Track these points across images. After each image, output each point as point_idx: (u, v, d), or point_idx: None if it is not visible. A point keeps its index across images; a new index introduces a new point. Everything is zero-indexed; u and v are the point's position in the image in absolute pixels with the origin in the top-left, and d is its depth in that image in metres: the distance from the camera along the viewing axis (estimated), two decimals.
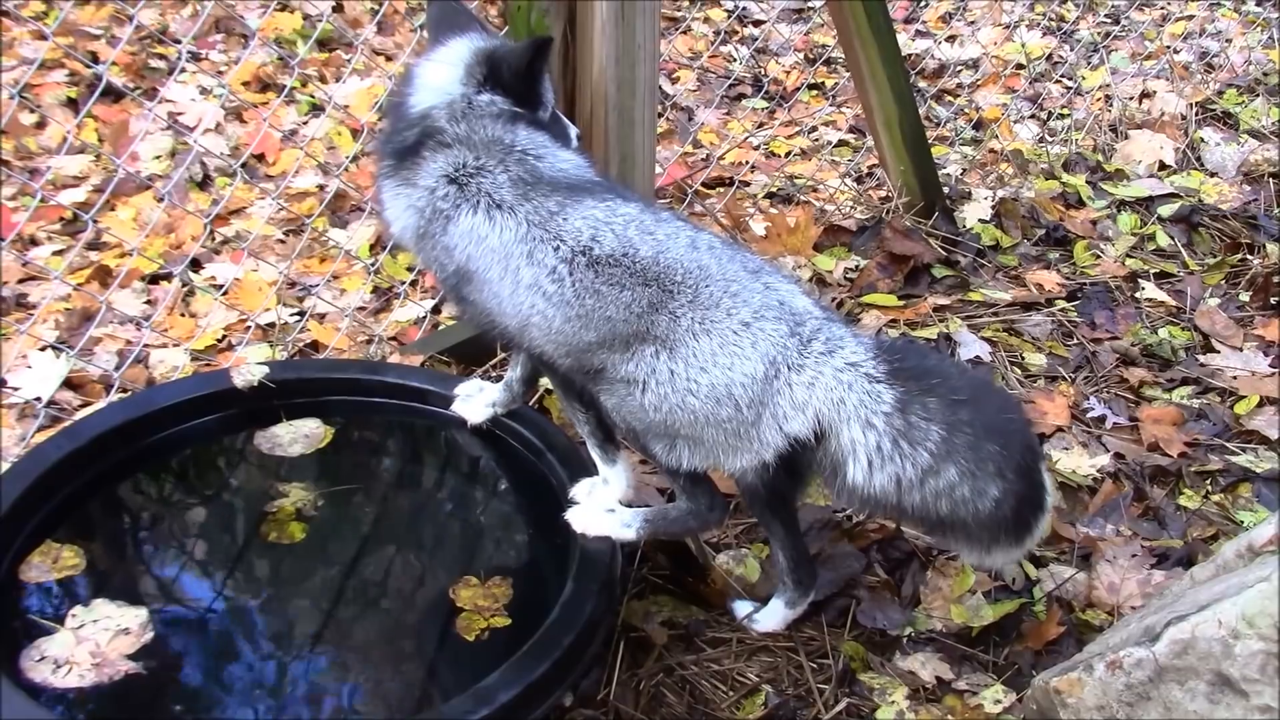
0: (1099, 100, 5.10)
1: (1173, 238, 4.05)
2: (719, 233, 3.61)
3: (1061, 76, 5.44)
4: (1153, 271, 3.84)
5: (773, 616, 2.42)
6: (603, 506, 2.28)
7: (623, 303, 2.03)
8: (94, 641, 1.98)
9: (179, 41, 4.90)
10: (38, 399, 2.93)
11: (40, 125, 4.23)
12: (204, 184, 4.10)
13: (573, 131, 2.38)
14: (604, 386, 2.13)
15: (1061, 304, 3.63)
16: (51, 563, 2.15)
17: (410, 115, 2.19)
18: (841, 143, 4.77)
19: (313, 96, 4.63)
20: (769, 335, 2.03)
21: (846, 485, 2.08)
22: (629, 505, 2.33)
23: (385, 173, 2.20)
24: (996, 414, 2.09)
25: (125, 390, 2.92)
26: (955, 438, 2.03)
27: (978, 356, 3.31)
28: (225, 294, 3.30)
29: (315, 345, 3.26)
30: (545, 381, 2.88)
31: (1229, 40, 5.83)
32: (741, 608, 2.47)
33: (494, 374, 2.93)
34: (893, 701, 2.30)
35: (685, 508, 2.27)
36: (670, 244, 2.07)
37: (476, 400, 2.53)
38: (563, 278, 2.04)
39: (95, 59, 4.70)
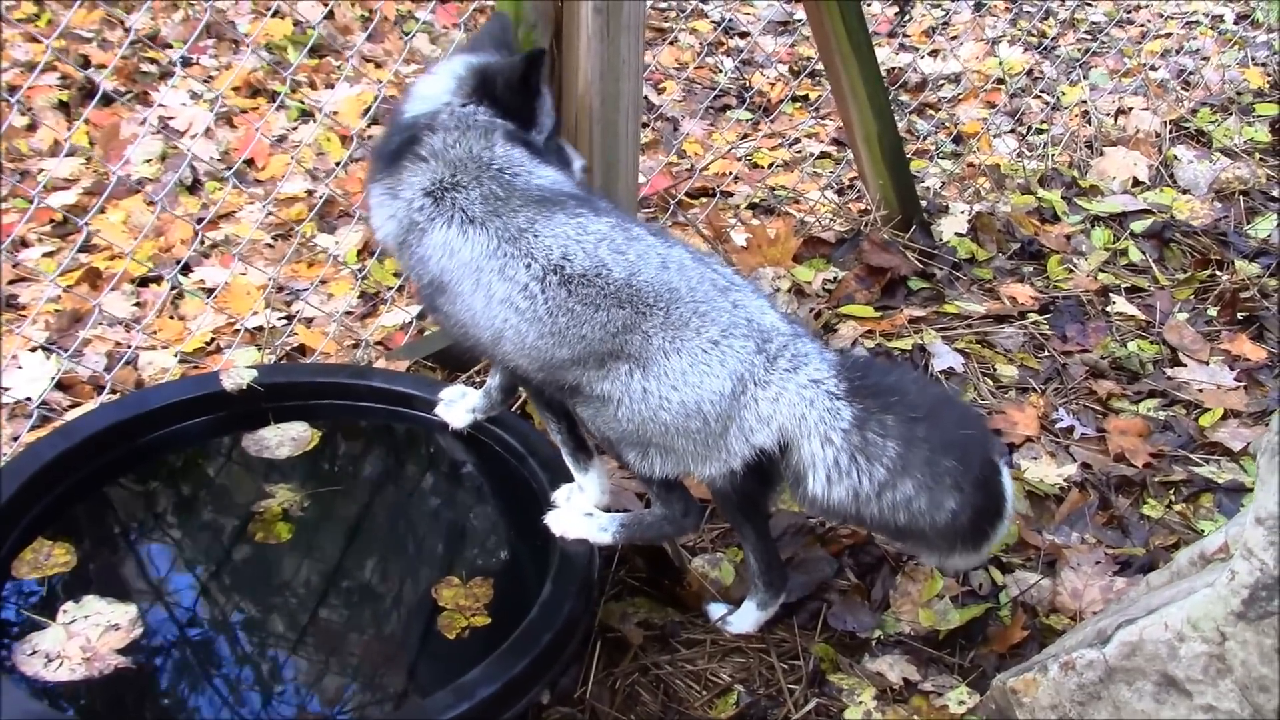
0: (1076, 116, 5.19)
1: (1144, 253, 4.14)
2: (699, 244, 3.70)
3: (1041, 92, 5.52)
4: (1124, 286, 3.92)
5: (746, 618, 2.49)
6: (581, 511, 2.35)
7: (597, 322, 2.09)
8: (84, 636, 2.04)
9: (171, 46, 4.97)
10: (29, 399, 2.99)
11: (32, 128, 4.28)
12: (194, 188, 4.16)
13: (577, 163, 2.45)
14: (579, 400, 2.20)
15: (1034, 317, 3.71)
16: (44, 560, 2.21)
17: (399, 123, 2.27)
18: (824, 155, 4.84)
19: (303, 102, 4.68)
20: (736, 352, 2.10)
21: (807, 496, 2.15)
22: (607, 510, 2.39)
23: (373, 179, 2.27)
24: (954, 429, 2.14)
25: (115, 391, 2.97)
26: (911, 453, 2.10)
27: (951, 368, 3.39)
28: (214, 298, 3.36)
29: (303, 349, 3.32)
30: None
31: (1205, 59, 5.93)
32: (716, 610, 2.54)
33: (478, 380, 3.00)
34: (861, 702, 2.37)
35: (660, 513, 2.34)
36: (642, 265, 2.12)
37: (459, 405, 2.59)
38: (535, 295, 2.10)
39: (87, 62, 4.75)
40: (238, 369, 2.63)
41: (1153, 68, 5.79)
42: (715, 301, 2.13)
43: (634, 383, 2.11)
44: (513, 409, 2.88)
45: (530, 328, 2.11)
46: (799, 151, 4.92)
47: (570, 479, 2.43)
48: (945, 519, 2.12)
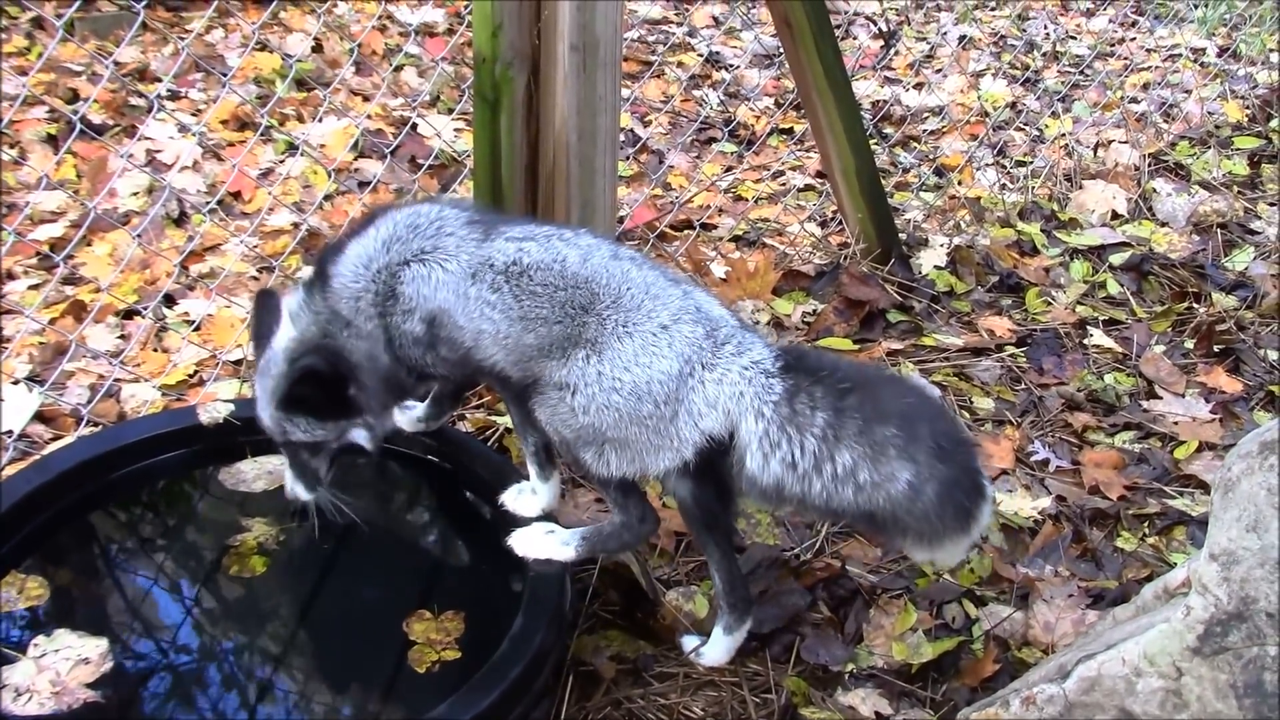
0: (1058, 149, 5.24)
1: (1123, 285, 4.18)
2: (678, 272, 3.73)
3: (1024, 124, 5.58)
4: (1102, 319, 3.96)
5: (716, 649, 2.51)
6: (543, 530, 2.40)
7: (558, 301, 2.20)
8: (54, 670, 2.05)
9: (160, 80, 5.01)
10: (9, 432, 3.00)
11: (20, 161, 4.31)
12: (181, 221, 4.19)
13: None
14: (539, 397, 2.27)
15: (1011, 349, 3.74)
16: (17, 593, 2.22)
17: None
18: (807, 187, 4.88)
19: (290, 136, 4.72)
20: (685, 336, 2.18)
21: (747, 476, 2.18)
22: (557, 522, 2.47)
23: None
24: (893, 400, 2.16)
25: (96, 424, 2.99)
26: (841, 423, 2.12)
27: None
28: (198, 330, 3.38)
29: None
30: (505, 420, 2.98)
31: (1187, 91, 5.99)
32: (689, 642, 2.55)
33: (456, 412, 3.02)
34: None
35: (619, 521, 2.38)
36: (594, 253, 2.25)
37: (408, 414, 2.69)
38: (500, 286, 2.22)
39: (76, 95, 4.79)
40: (215, 404, 2.65)
41: (1134, 100, 5.85)
42: (666, 289, 2.24)
43: (589, 368, 2.19)
44: (488, 443, 2.91)
45: (502, 316, 2.22)
46: (783, 184, 4.96)
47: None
48: (903, 492, 2.10)
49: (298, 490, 2.38)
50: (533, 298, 2.20)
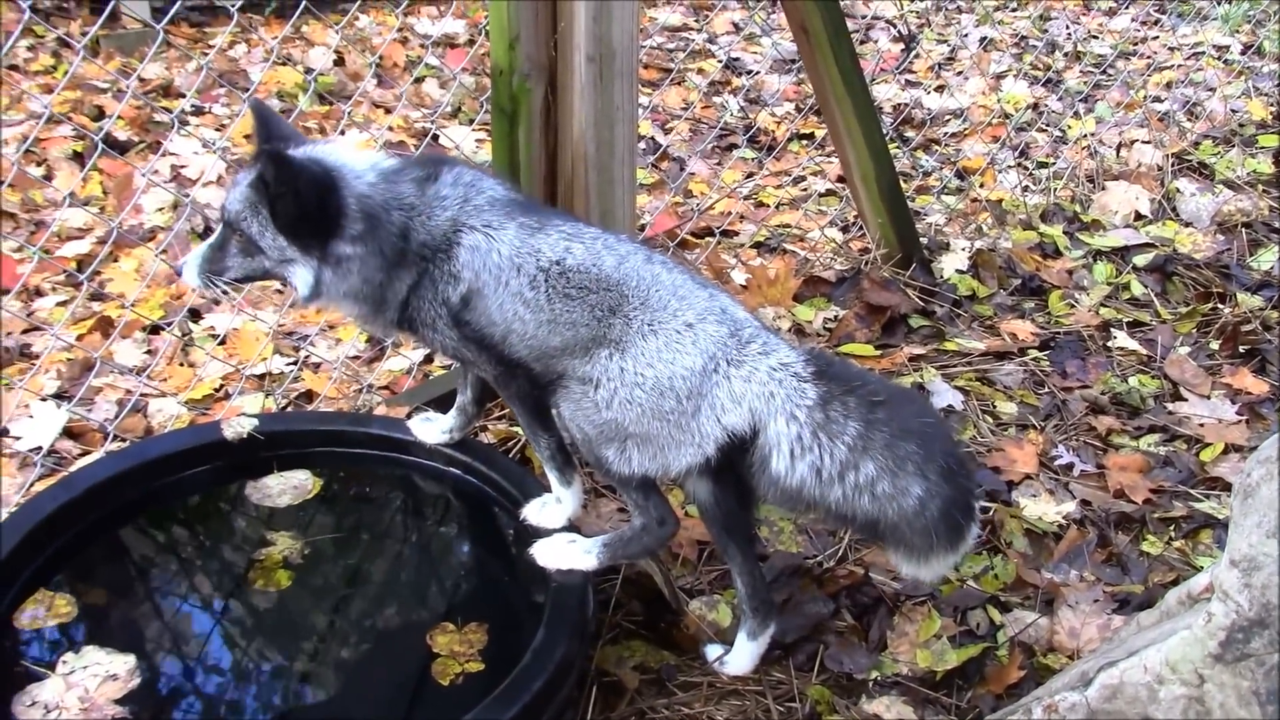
0: (1079, 150, 5.21)
1: (1146, 287, 4.15)
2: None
3: (1045, 125, 5.55)
4: (1125, 321, 3.93)
5: (740, 657, 2.51)
6: (565, 540, 2.40)
7: (589, 304, 2.21)
8: (83, 687, 2.07)
9: (183, 96, 5.06)
10: (38, 448, 3.04)
11: (47, 178, 4.36)
12: (205, 235, 4.22)
13: None
14: (561, 391, 2.28)
15: (1034, 353, 3.72)
16: (45, 610, 2.25)
17: None
18: (829, 192, 4.88)
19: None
20: (710, 335, 2.20)
21: (770, 476, 2.20)
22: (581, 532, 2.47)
23: None
24: (913, 417, 2.20)
25: (123, 439, 3.02)
26: (871, 434, 2.15)
27: (950, 405, 3.41)
28: (223, 344, 3.41)
29: (309, 394, 3.36)
30: (522, 430, 2.99)
31: (1210, 90, 5.95)
32: (712, 651, 2.55)
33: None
34: None
35: (639, 524, 2.38)
36: (630, 258, 2.26)
37: (433, 425, 2.70)
38: (539, 284, 2.22)
39: (101, 113, 4.85)
40: (239, 418, 2.68)
41: (1157, 99, 5.81)
42: (693, 290, 2.26)
43: (613, 364, 2.21)
44: (510, 454, 2.92)
45: (532, 316, 2.23)
46: (803, 189, 4.96)
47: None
48: (913, 507, 2.14)
49: (191, 268, 2.24)
50: (565, 300, 2.21)
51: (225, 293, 2.30)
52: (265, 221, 2.17)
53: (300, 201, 2.13)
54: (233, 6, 3.11)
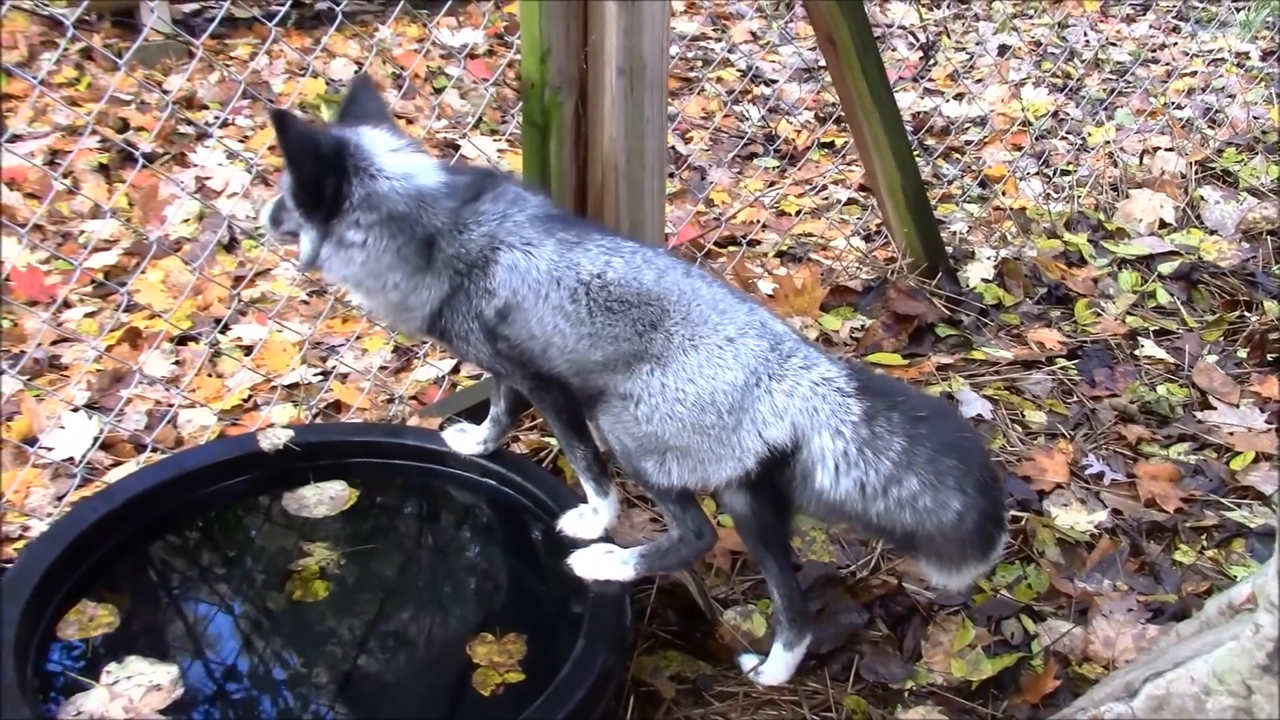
0: (1102, 157, 5.21)
1: (1172, 295, 4.15)
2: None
3: (1067, 133, 5.55)
4: (1152, 329, 3.93)
5: (776, 667, 2.51)
6: (602, 550, 2.40)
7: (630, 319, 2.21)
8: (127, 698, 2.08)
9: (207, 107, 5.09)
10: (71, 459, 3.05)
11: (73, 190, 4.39)
12: (231, 246, 4.24)
13: None
14: (602, 404, 2.29)
15: (1062, 362, 3.72)
16: (87, 621, 2.26)
17: None
18: (851, 200, 4.88)
19: None
20: (751, 349, 2.20)
21: (814, 490, 2.21)
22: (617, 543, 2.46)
23: None
24: (953, 433, 2.23)
25: (156, 450, 3.03)
26: (916, 450, 2.17)
27: (979, 415, 3.40)
28: (251, 355, 3.43)
29: (338, 405, 3.38)
30: (554, 440, 3.00)
31: (1231, 96, 5.94)
32: (748, 661, 2.56)
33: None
34: None
35: (676, 536, 2.38)
36: (669, 272, 2.27)
37: (468, 436, 2.70)
38: (580, 297, 2.22)
39: (126, 125, 4.88)
40: (274, 429, 2.69)
41: (1178, 106, 5.81)
42: (733, 304, 2.26)
43: (654, 379, 2.21)
44: (542, 464, 2.93)
45: (573, 330, 2.23)
46: (826, 198, 4.96)
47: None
48: (951, 520, 2.17)
49: (265, 212, 2.36)
50: (607, 314, 2.21)
51: (285, 241, 2.34)
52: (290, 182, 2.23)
53: (296, 169, 2.17)
54: (264, 16, 3.12)
